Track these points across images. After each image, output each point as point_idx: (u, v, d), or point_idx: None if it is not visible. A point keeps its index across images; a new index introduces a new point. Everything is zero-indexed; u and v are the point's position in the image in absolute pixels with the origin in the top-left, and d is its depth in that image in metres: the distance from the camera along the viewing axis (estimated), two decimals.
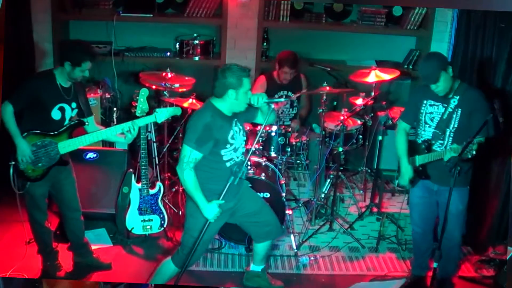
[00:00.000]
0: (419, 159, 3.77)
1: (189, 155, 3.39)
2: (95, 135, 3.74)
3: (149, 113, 3.86)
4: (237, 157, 3.56)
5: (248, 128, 4.74)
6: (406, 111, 3.95)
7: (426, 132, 3.73)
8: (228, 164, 3.51)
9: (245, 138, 3.61)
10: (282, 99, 3.76)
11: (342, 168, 5.12)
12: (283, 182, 4.61)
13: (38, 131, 3.61)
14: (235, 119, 3.54)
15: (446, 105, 3.63)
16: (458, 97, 3.60)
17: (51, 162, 3.71)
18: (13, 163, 3.60)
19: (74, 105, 3.74)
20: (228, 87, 3.39)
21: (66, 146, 3.70)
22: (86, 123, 3.81)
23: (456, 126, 3.61)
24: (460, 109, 3.59)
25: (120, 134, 3.77)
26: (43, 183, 3.74)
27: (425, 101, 3.72)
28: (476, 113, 3.52)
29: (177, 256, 3.65)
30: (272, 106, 3.58)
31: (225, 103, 3.45)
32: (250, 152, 3.63)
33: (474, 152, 3.30)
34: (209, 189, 3.48)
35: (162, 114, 3.81)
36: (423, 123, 3.74)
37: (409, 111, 3.90)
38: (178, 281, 3.55)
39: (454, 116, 3.60)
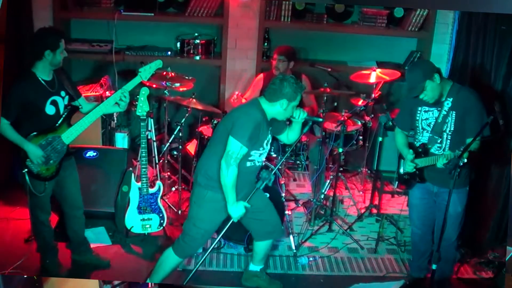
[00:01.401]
0: (419, 163, 3.74)
1: (239, 152, 3.42)
2: (93, 114, 3.73)
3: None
4: (258, 162, 3.60)
5: None
6: (401, 118, 3.93)
7: (424, 138, 3.73)
8: (248, 164, 3.53)
9: (268, 147, 3.65)
10: (321, 119, 4.06)
11: (342, 169, 5.12)
12: (282, 182, 4.61)
13: (36, 132, 3.61)
14: (270, 127, 3.59)
15: (440, 108, 3.60)
16: (451, 99, 3.57)
17: (61, 155, 3.72)
18: (26, 170, 3.60)
19: (63, 93, 3.72)
20: (282, 96, 3.46)
21: (69, 135, 3.70)
22: (80, 107, 3.81)
23: (452, 129, 3.58)
24: (454, 112, 3.56)
25: (115, 104, 3.80)
26: (51, 182, 3.74)
27: (419, 108, 3.69)
28: (469, 114, 3.51)
29: (177, 244, 3.67)
30: (310, 123, 3.67)
31: (272, 109, 3.51)
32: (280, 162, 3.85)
33: (465, 160, 3.28)
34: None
35: (146, 72, 3.83)
36: (420, 129, 3.73)
37: (404, 118, 3.88)
38: (188, 282, 3.59)
39: (449, 119, 3.58)
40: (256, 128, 3.43)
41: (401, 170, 3.92)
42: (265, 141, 3.56)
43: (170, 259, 3.70)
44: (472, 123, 3.48)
